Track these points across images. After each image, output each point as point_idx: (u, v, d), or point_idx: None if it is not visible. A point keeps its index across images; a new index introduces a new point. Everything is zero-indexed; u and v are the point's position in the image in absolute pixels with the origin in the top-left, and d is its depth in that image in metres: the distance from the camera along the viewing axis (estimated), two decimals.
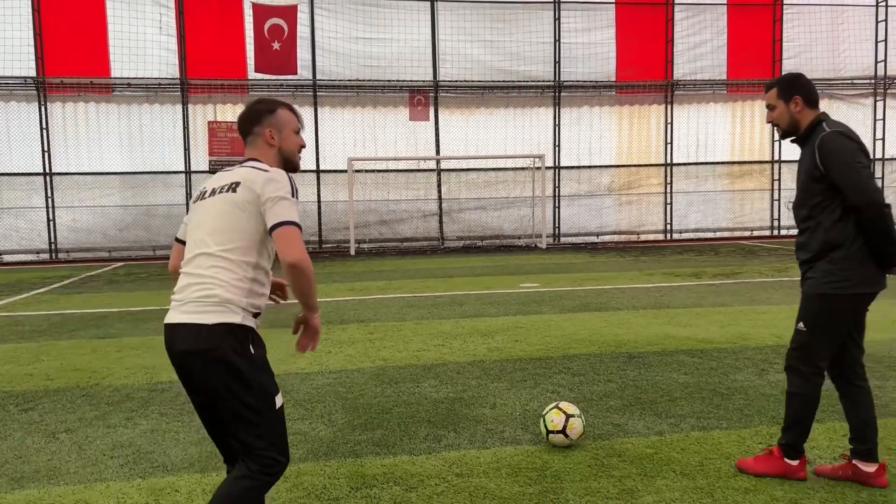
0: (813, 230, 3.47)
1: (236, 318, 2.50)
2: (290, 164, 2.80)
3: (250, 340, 2.54)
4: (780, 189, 20.70)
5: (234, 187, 2.59)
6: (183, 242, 2.79)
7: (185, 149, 18.41)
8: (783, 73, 3.77)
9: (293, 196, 2.56)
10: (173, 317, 2.56)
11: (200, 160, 18.43)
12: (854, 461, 3.54)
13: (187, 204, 18.43)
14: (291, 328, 2.78)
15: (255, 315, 2.60)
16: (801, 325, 3.55)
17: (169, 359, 2.61)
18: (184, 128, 18.38)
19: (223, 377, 2.47)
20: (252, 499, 2.51)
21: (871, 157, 20.52)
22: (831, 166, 3.32)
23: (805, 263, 3.54)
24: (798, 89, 3.53)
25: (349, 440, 4.31)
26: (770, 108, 3.61)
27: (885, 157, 20.63)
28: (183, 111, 18.33)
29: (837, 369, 3.64)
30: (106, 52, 17.77)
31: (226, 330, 2.48)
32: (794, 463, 3.59)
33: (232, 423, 2.53)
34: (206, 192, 2.72)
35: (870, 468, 3.51)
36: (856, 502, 3.35)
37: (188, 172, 18.47)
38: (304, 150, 2.87)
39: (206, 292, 2.50)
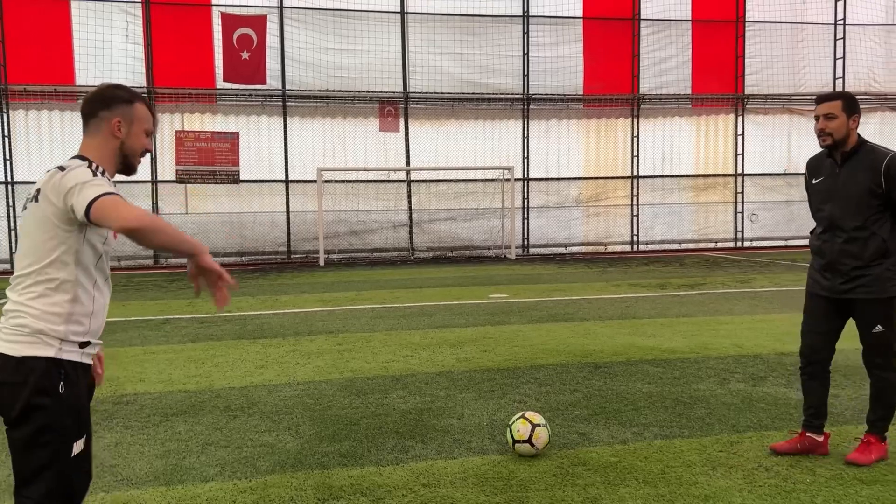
0: (867, 239, 3.87)
1: (47, 351, 2.23)
2: (127, 164, 2.46)
3: (62, 377, 2.24)
4: (743, 202, 21.14)
5: (36, 196, 2.28)
6: None
7: (151, 158, 18.20)
8: (842, 90, 4.30)
9: (99, 178, 2.22)
10: None
11: (167, 170, 18.25)
12: (806, 432, 4.12)
13: (154, 213, 18.26)
14: (194, 289, 2.36)
15: (83, 345, 2.31)
16: (878, 327, 3.92)
17: None
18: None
19: (22, 410, 2.20)
20: None
21: None
22: None
23: (857, 269, 3.91)
24: (858, 109, 3.97)
25: (316, 452, 4.31)
26: (830, 117, 3.93)
27: None
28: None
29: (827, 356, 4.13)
30: (71, 60, 17.54)
31: (30, 365, 2.20)
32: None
33: (19, 463, 2.26)
34: (28, 196, 2.36)
35: (819, 438, 4.09)
36: None
37: (154, 182, 18.27)
38: (145, 155, 2.52)
39: (18, 321, 2.24)
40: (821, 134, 3.98)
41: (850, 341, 7.11)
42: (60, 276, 2.26)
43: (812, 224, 4.22)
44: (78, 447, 2.29)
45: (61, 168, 2.28)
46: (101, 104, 2.41)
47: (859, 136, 4.02)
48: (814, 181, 4.15)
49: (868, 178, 3.86)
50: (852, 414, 4.85)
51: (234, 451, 4.36)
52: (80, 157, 2.36)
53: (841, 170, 3.99)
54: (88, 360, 2.39)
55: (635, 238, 20.82)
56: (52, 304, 2.24)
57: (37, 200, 2.26)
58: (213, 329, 8.74)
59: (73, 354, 2.29)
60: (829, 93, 4.16)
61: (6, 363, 2.22)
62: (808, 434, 4.12)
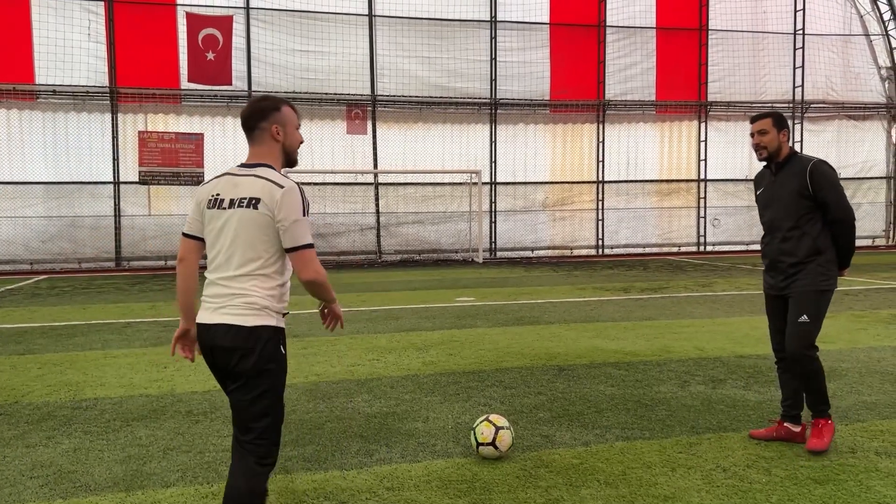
0: (799, 238, 4.27)
1: (271, 321, 2.80)
2: (290, 159, 3.02)
3: (281, 341, 2.85)
4: (705, 207, 21.53)
5: (254, 204, 2.77)
6: (192, 237, 2.95)
7: (114, 159, 17.91)
8: (772, 109, 4.86)
9: (305, 213, 2.79)
10: (213, 317, 2.81)
11: (130, 171, 17.96)
12: (786, 424, 4.40)
13: (116, 215, 18.00)
14: (324, 323, 3.12)
15: (283, 315, 2.89)
16: (804, 317, 4.25)
17: (200, 348, 2.93)
18: (113, 137, 17.89)
19: (253, 370, 2.76)
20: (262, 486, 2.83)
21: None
22: (822, 187, 4.21)
23: (793, 266, 4.30)
24: (786, 124, 4.44)
25: (280, 456, 4.28)
26: (762, 132, 4.39)
27: None
28: (112, 120, 17.86)
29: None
30: (31, 58, 17.18)
31: (263, 331, 2.78)
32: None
33: (250, 409, 2.79)
34: (221, 200, 2.85)
35: (796, 428, 4.40)
36: None
37: (117, 183, 17.98)
38: (302, 145, 3.07)
39: (248, 300, 2.78)
40: (756, 148, 4.45)
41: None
42: (275, 267, 2.82)
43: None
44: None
45: (275, 182, 2.78)
46: (259, 117, 2.91)
47: (791, 147, 4.48)
48: (758, 192, 4.63)
49: (797, 182, 4.29)
50: (806, 415, 4.96)
51: (195, 456, 4.32)
52: (266, 165, 2.88)
53: (776, 178, 4.44)
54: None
55: (600, 242, 21.05)
56: (271, 288, 2.81)
57: (255, 208, 2.76)
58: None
59: (282, 323, 2.87)
60: (759, 112, 4.60)
61: (239, 332, 2.75)
62: (785, 424, 4.42)
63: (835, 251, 4.30)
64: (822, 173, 4.25)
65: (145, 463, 4.21)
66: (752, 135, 4.44)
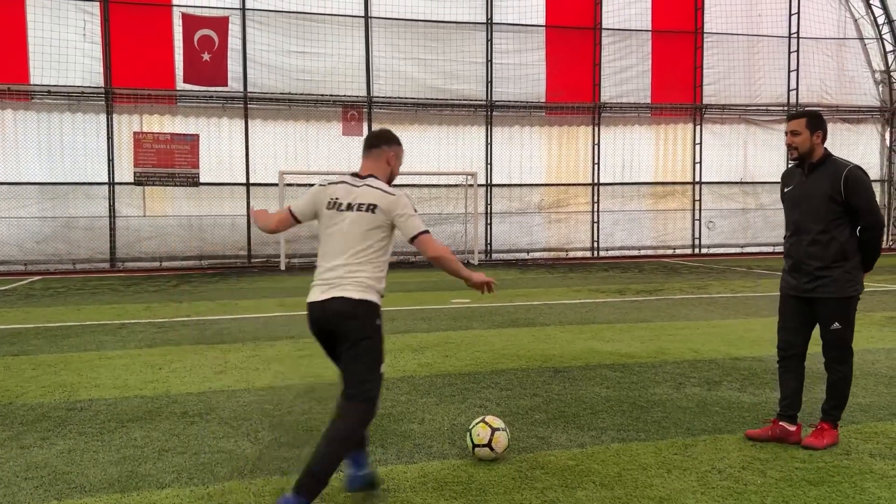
0: (828, 242, 4.28)
1: (374, 298, 3.52)
2: (390, 181, 3.70)
3: (379, 315, 3.53)
4: (700, 209, 21.57)
5: (372, 209, 3.51)
6: (294, 217, 3.80)
7: (109, 160, 17.87)
8: (808, 108, 4.84)
9: (415, 211, 3.56)
10: (327, 293, 3.49)
11: (125, 172, 17.91)
12: (781, 423, 4.45)
13: (111, 216, 17.92)
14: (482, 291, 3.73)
15: (382, 296, 3.59)
16: (836, 324, 4.33)
17: (311, 325, 3.58)
18: (108, 138, 17.85)
19: (359, 334, 3.47)
20: (359, 430, 3.54)
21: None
22: (856, 193, 4.22)
23: (819, 269, 4.32)
24: (822, 125, 4.40)
25: (276, 458, 4.29)
26: (795, 133, 4.38)
27: None
28: (107, 121, 17.81)
29: (801, 351, 4.54)
30: (25, 58, 17.12)
31: (367, 304, 3.48)
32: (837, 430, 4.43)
33: (355, 365, 3.47)
34: (340, 203, 3.58)
35: (792, 428, 4.44)
36: None
37: (112, 184, 17.92)
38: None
39: (359, 278, 3.49)
40: (789, 148, 4.46)
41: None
42: (384, 258, 3.59)
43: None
44: (383, 367, 3.59)
45: (388, 192, 3.55)
46: (385, 141, 3.70)
47: (826, 149, 4.42)
48: (786, 189, 4.57)
49: (829, 187, 4.27)
50: (801, 417, 4.98)
51: (191, 457, 4.31)
52: (375, 177, 3.62)
53: (807, 179, 4.41)
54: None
55: (596, 244, 21.08)
56: (375, 271, 3.54)
57: (373, 212, 3.51)
58: (170, 334, 8.60)
59: (380, 301, 3.57)
60: (797, 111, 4.61)
61: (349, 302, 3.45)
62: (780, 423, 4.46)
63: (860, 256, 4.34)
64: (857, 179, 4.24)
65: (140, 464, 4.20)
66: (786, 134, 4.47)
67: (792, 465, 4.06)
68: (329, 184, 3.67)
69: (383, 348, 3.55)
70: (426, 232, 3.55)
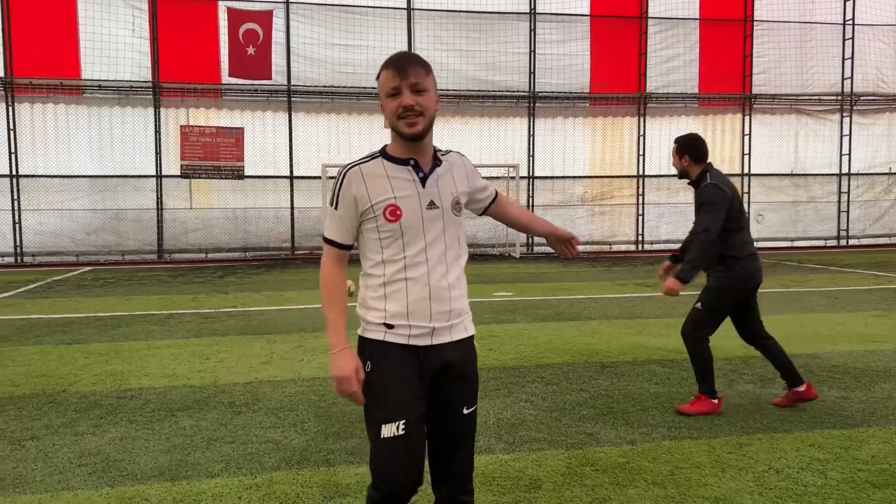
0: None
1: (359, 331, 2.48)
2: (399, 133, 2.37)
3: (368, 355, 2.41)
4: (749, 202, 21.04)
5: None
6: None
7: (156, 153, 18.20)
8: (687, 135, 5.15)
9: (331, 203, 2.42)
10: None
11: (172, 164, 18.23)
12: (792, 389, 4.95)
13: (159, 208, 18.31)
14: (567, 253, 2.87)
15: (388, 326, 2.38)
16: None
17: None
18: (155, 131, 18.17)
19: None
20: None
21: (839, 171, 21.08)
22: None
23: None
24: (687, 151, 4.97)
25: (322, 449, 4.28)
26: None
27: (851, 172, 21.10)
28: (155, 114, 18.13)
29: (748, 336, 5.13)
30: (76, 54, 17.52)
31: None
32: (715, 401, 4.88)
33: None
34: None
35: (802, 388, 4.92)
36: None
37: (159, 177, 18.25)
38: (409, 111, 2.30)
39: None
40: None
41: (849, 344, 7.05)
42: (365, 266, 2.51)
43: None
44: (388, 430, 2.30)
45: None
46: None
47: (705, 168, 5.00)
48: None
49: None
50: (862, 417, 4.80)
51: (239, 447, 4.33)
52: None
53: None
54: (398, 340, 2.39)
55: (640, 237, 20.75)
56: (364, 290, 2.51)
57: None
58: (217, 324, 8.71)
59: (375, 333, 2.42)
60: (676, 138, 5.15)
61: None
62: (792, 389, 4.96)
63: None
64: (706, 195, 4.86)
65: (189, 453, 4.23)
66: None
67: (854, 467, 3.90)
68: None
69: (372, 405, 2.38)
70: (325, 240, 2.50)
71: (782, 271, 14.55)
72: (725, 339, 7.42)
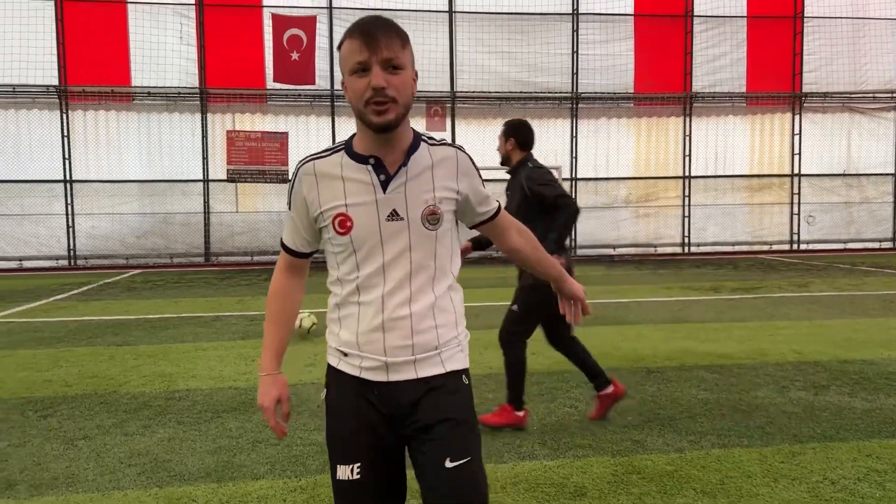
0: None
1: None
2: (364, 122, 1.89)
3: (326, 383, 2.09)
4: (799, 203, 20.51)
5: None
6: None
7: (203, 158, 18.55)
8: (516, 119, 5.09)
9: (287, 202, 2.00)
10: None
11: (218, 169, 18.56)
12: (599, 393, 4.81)
13: (206, 212, 18.68)
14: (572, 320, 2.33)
15: (342, 353, 2.00)
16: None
17: None
18: (202, 136, 18.53)
19: None
20: None
21: (894, 171, 20.39)
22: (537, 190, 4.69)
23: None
24: (513, 134, 4.94)
25: None
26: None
27: None
28: (202, 120, 18.49)
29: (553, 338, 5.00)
30: (127, 62, 17.97)
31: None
32: (521, 413, 4.68)
33: None
34: None
35: (609, 390, 4.79)
36: None
37: (206, 181, 18.61)
38: (378, 94, 1.81)
39: None
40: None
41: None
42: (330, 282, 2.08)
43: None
44: (342, 472, 1.95)
45: None
46: None
47: (526, 157, 4.97)
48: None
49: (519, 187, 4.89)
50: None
51: (283, 449, 4.36)
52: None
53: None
54: (354, 372, 1.99)
55: (686, 240, 20.38)
56: (330, 312, 2.10)
57: None
58: (262, 327, 8.81)
59: (335, 360, 2.06)
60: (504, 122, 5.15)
61: None
62: (599, 394, 4.85)
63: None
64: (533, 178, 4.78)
65: (235, 455, 4.28)
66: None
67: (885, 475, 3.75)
68: None
69: (328, 439, 2.05)
70: (283, 246, 2.15)
71: (835, 274, 14.13)
72: (774, 344, 7.24)
